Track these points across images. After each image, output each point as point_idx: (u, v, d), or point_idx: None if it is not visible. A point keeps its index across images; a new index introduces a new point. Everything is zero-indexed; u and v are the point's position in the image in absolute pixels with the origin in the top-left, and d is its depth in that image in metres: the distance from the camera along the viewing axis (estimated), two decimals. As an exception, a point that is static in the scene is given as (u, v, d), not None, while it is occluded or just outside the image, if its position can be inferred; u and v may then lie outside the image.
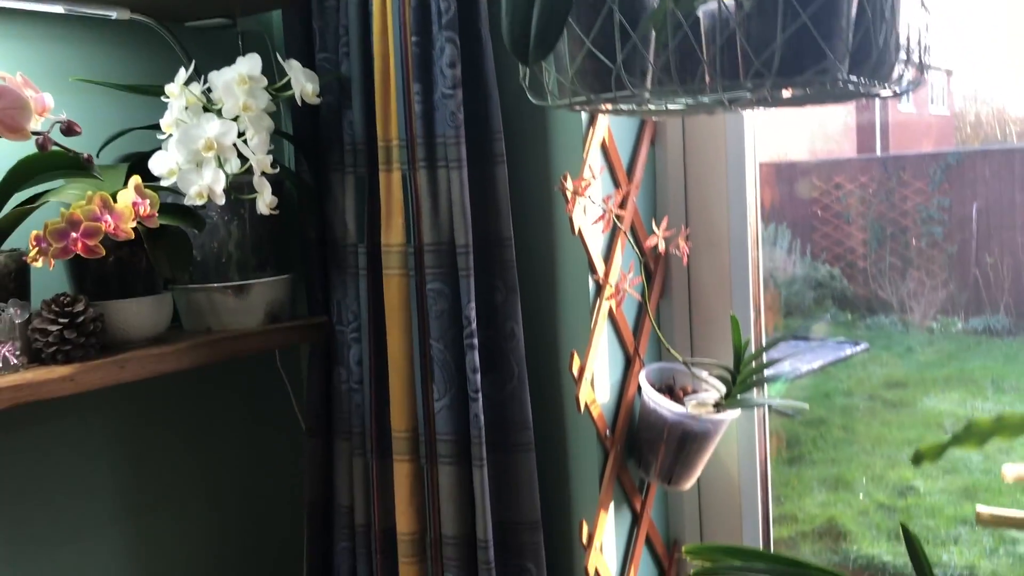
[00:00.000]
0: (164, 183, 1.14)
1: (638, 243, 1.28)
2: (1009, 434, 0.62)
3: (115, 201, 1.03)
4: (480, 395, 1.18)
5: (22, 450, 1.21)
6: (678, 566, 1.39)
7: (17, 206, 1.10)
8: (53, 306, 1.05)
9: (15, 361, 1.01)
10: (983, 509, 1.14)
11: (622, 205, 1.25)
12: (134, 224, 1.04)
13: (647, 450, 1.27)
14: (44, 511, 1.24)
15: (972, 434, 0.63)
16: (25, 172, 1.07)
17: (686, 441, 1.23)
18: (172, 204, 1.17)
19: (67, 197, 1.10)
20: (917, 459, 0.64)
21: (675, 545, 1.39)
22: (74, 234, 1.00)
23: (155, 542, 1.36)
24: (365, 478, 1.28)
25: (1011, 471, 1.29)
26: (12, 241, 1.09)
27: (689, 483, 1.27)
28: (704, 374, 1.29)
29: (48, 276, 1.10)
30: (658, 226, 1.24)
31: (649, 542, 1.35)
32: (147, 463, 1.35)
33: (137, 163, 1.18)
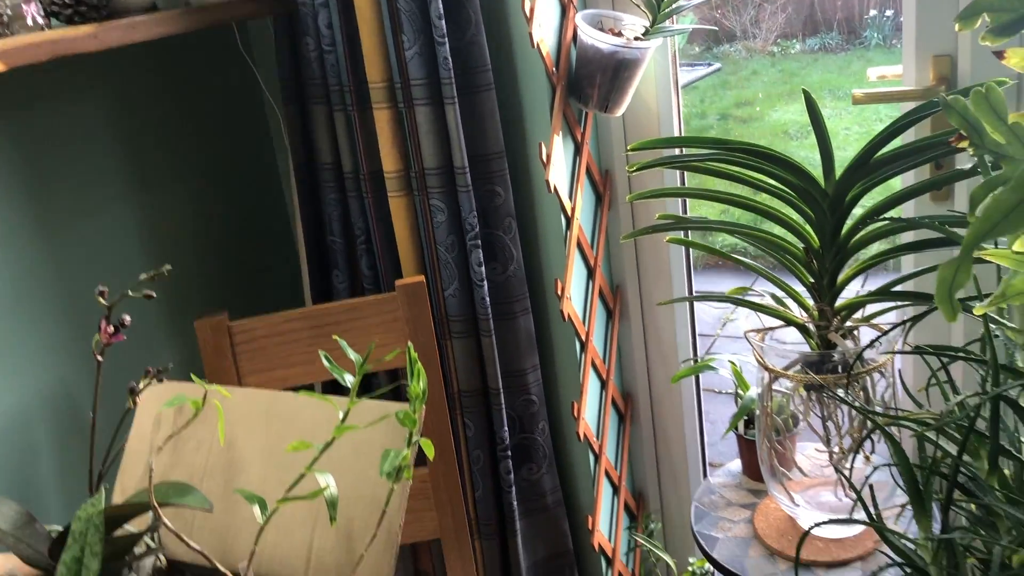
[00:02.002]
0: None
1: None
2: None
3: None
4: (446, 40, 1.36)
5: (44, 129, 1.33)
6: (612, 191, 1.66)
7: None
8: (60, -29, 1.14)
9: (40, 20, 1.11)
10: (858, 91, 1.44)
11: None
12: None
13: (586, 84, 1.49)
14: (65, 192, 1.37)
15: None
16: None
17: (620, 69, 1.46)
18: None
19: None
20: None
21: (607, 174, 1.66)
22: None
23: (159, 215, 1.52)
24: (348, 131, 1.46)
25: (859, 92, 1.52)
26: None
27: (621, 109, 1.51)
28: (624, 18, 1.50)
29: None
30: None
31: (588, 169, 1.60)
32: (146, 143, 1.49)
33: None
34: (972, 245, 0.57)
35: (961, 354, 1.01)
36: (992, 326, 0.88)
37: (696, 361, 1.75)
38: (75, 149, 1.39)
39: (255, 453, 0.89)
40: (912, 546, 0.99)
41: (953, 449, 0.94)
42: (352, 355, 0.80)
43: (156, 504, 0.74)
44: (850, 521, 1.09)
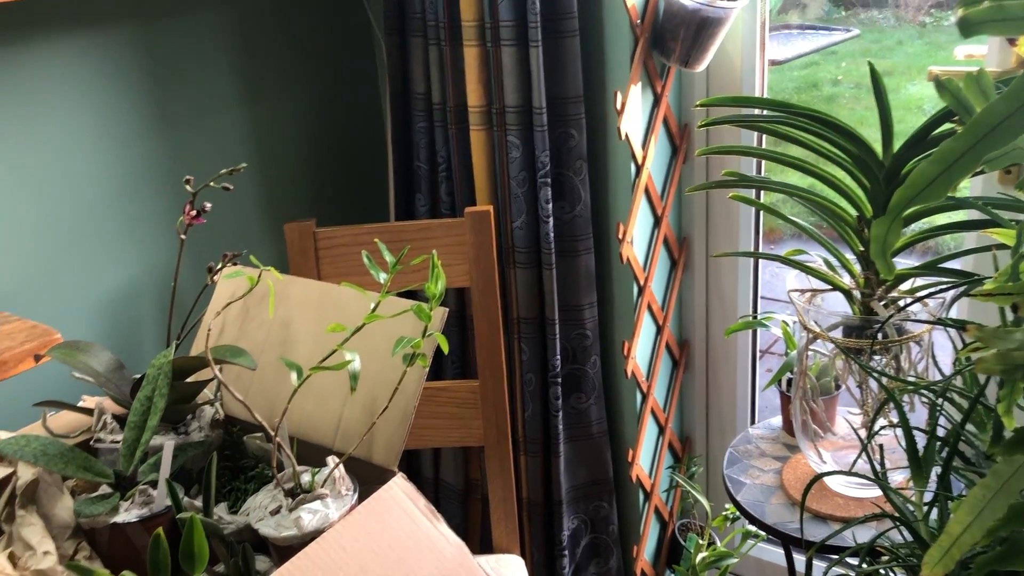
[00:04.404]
0: None
1: None
2: None
3: None
4: (536, -15, 1.45)
5: (171, 41, 1.50)
6: (689, 145, 1.72)
7: None
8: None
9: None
10: (935, 68, 1.44)
11: None
12: None
13: (669, 38, 1.55)
14: (182, 94, 1.55)
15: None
16: None
17: (703, 26, 1.51)
18: None
19: None
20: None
21: (685, 128, 1.72)
22: None
23: (264, 125, 1.69)
24: (440, 65, 1.58)
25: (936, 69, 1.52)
26: None
27: (702, 65, 1.57)
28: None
29: None
30: None
31: (666, 121, 1.67)
32: (260, 61, 1.65)
33: None
34: (899, 208, 0.63)
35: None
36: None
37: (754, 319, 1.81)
38: (196, 61, 1.56)
39: (306, 334, 1.03)
40: (911, 507, 1.05)
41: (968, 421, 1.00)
42: (388, 256, 0.92)
43: (213, 359, 0.89)
44: (849, 473, 1.15)
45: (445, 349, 0.90)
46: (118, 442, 0.97)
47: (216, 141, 1.61)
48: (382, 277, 0.91)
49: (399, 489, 0.89)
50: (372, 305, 0.90)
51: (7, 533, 0.87)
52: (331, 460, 0.88)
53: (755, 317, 1.82)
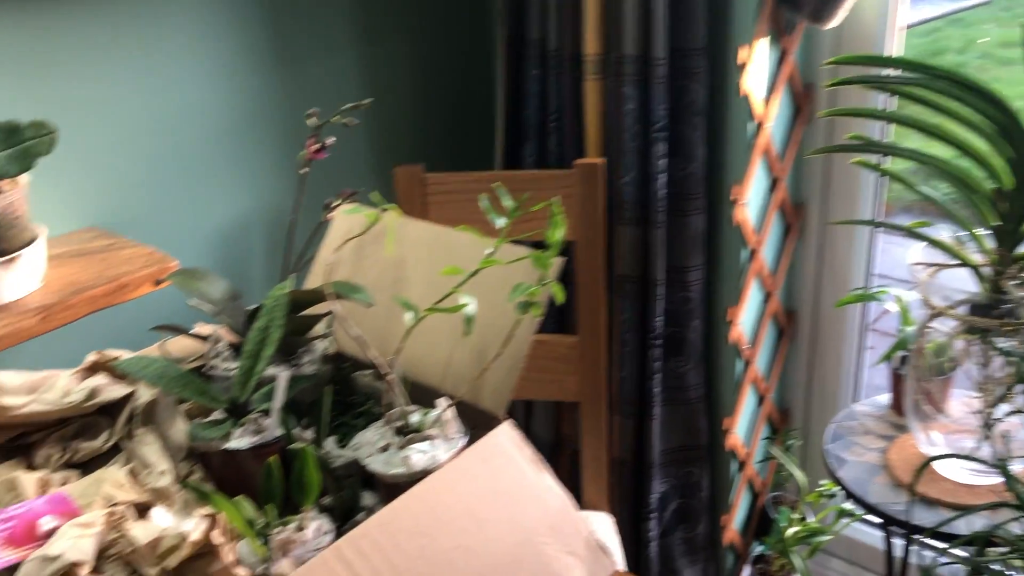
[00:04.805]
0: None
1: None
2: None
3: None
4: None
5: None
6: (811, 106, 1.65)
7: None
8: None
9: None
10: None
11: None
12: None
13: (800, -9, 1.47)
14: (300, 32, 1.55)
15: None
16: None
17: (838, -21, 1.43)
18: None
19: None
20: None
21: (809, 88, 1.64)
22: None
23: (378, 65, 1.68)
24: (558, 10, 1.54)
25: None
26: None
27: (833, 21, 1.48)
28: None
29: None
30: None
31: (790, 80, 1.60)
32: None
33: None
34: None
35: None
36: None
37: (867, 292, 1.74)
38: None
39: (419, 275, 1.02)
40: (1035, 498, 0.99)
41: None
42: (508, 202, 0.90)
43: (330, 293, 0.89)
44: (968, 458, 1.10)
45: (560, 299, 0.87)
46: (231, 370, 0.99)
47: (330, 80, 1.61)
48: (500, 222, 0.89)
49: (507, 436, 0.87)
50: (487, 250, 0.88)
51: (126, 451, 0.89)
52: (441, 402, 0.88)
53: (868, 291, 1.75)
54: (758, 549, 1.87)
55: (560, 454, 1.85)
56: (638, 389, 1.69)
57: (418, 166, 1.50)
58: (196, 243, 1.50)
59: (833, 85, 1.27)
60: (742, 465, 1.77)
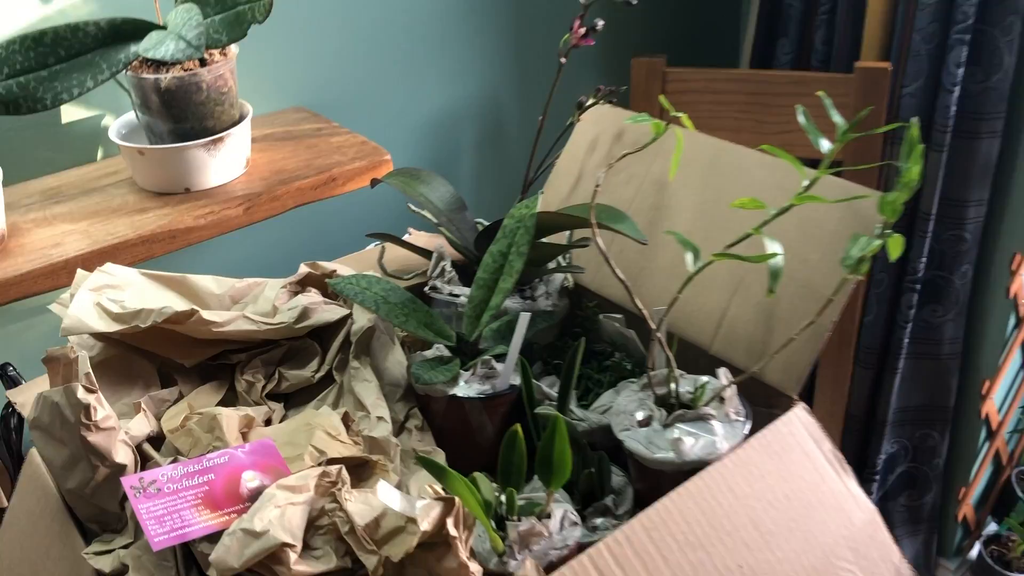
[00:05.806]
0: None
1: None
2: None
3: None
4: None
5: None
6: None
7: None
8: None
9: None
10: None
11: None
12: None
13: None
14: None
15: None
16: None
17: None
18: None
19: None
20: None
21: None
22: None
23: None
24: None
25: None
26: None
27: None
28: None
29: None
30: None
31: None
32: None
33: None
34: None
35: None
36: None
37: None
38: None
39: (688, 201, 0.83)
40: None
41: None
42: (837, 118, 0.68)
43: (591, 222, 0.71)
44: None
45: (894, 254, 0.66)
46: (455, 295, 0.84)
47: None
48: (825, 146, 0.67)
49: (802, 425, 0.69)
50: (804, 182, 0.68)
51: (339, 384, 0.76)
52: (723, 374, 0.70)
53: None
54: (992, 528, 1.63)
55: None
56: (883, 337, 1.45)
57: (659, 57, 1.28)
58: (402, 134, 1.35)
59: None
60: (992, 435, 1.52)
